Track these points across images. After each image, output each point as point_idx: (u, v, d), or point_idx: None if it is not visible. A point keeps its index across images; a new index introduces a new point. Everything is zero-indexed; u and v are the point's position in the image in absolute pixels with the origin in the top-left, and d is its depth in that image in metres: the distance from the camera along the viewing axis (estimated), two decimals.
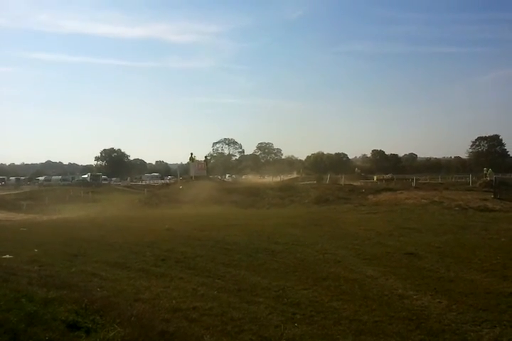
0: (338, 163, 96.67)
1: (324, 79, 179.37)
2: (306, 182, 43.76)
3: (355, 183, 41.64)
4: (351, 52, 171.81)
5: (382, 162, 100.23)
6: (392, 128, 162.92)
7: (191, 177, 42.89)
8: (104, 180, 77.51)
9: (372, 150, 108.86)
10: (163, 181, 78.52)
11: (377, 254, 12.21)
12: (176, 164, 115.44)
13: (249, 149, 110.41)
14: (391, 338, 5.96)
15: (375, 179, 54.27)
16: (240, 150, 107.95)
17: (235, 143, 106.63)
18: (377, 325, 6.54)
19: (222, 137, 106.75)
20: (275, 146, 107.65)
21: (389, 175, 60.18)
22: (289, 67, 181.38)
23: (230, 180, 68.77)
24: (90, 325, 5.12)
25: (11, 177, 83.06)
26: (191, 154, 44.65)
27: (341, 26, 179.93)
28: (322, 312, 7.15)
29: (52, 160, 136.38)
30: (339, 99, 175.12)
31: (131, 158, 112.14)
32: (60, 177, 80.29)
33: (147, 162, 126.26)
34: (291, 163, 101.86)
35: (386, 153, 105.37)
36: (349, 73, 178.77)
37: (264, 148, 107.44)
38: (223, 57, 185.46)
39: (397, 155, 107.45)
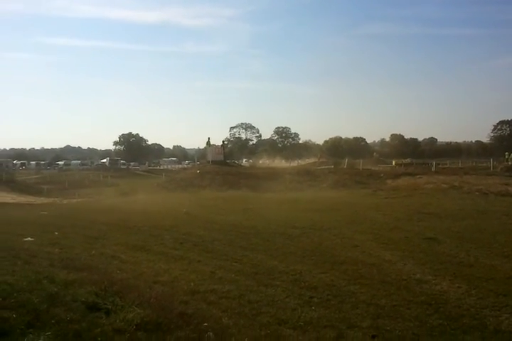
0: (356, 147, 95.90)
1: (341, 63, 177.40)
2: (323, 167, 43.52)
3: (373, 168, 41.33)
4: (369, 35, 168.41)
5: (401, 146, 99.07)
6: (411, 112, 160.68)
7: (208, 162, 42.98)
8: (123, 164, 78.29)
9: (391, 135, 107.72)
10: (180, 166, 78.98)
11: (396, 239, 12.14)
12: (194, 149, 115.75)
13: (267, 134, 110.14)
14: (409, 322, 5.94)
15: (393, 163, 53.65)
16: (257, 134, 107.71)
17: (252, 127, 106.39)
18: (395, 309, 6.52)
19: (240, 122, 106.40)
20: (292, 131, 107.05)
21: (408, 160, 59.51)
22: (306, 51, 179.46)
23: (247, 164, 68.71)
24: (110, 307, 5.19)
25: (31, 162, 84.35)
26: (208, 139, 44.76)
27: (358, 8, 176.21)
28: (339, 296, 7.15)
29: (72, 145, 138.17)
30: (357, 82, 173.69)
31: (149, 142, 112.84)
32: (80, 161, 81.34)
33: (165, 147, 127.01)
34: (309, 148, 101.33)
35: (405, 137, 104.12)
36: (367, 56, 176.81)
37: (282, 132, 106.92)
38: (239, 40, 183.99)
39: (416, 139, 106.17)
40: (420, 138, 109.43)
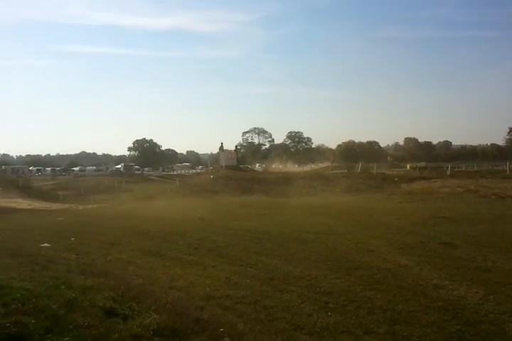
0: (369, 151, 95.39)
1: (355, 66, 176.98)
2: (336, 171, 43.38)
3: (387, 172, 41.06)
4: (384, 38, 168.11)
5: (415, 150, 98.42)
6: (426, 115, 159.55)
7: (222, 167, 43.10)
8: (137, 170, 78.92)
9: (405, 138, 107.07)
10: (194, 171, 79.31)
11: (411, 244, 12.04)
12: (207, 154, 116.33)
13: (279, 138, 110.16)
14: (427, 328, 5.88)
15: (408, 167, 53.33)
16: (270, 139, 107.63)
17: (264, 132, 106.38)
18: (412, 314, 6.46)
19: (252, 126, 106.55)
20: (305, 135, 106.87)
21: (422, 164, 59.12)
22: (320, 55, 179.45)
23: (260, 169, 68.74)
24: (127, 312, 5.23)
25: (46, 168, 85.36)
26: (221, 144, 44.96)
27: (374, 11, 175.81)
28: (355, 301, 7.11)
29: (87, 151, 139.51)
30: (370, 86, 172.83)
31: (163, 148, 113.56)
32: (95, 167, 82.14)
33: (178, 152, 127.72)
34: (322, 152, 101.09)
35: (419, 140, 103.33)
36: (381, 59, 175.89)
37: (294, 137, 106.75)
38: (252, 45, 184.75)
39: (430, 142, 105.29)
40: (435, 142, 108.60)
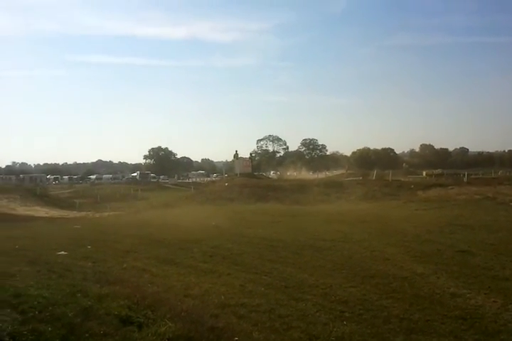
0: (385, 158, 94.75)
1: (369, 74, 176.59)
2: (351, 179, 43.14)
3: (403, 179, 40.69)
4: (396, 46, 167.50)
5: (431, 157, 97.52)
6: (441, 122, 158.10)
7: (236, 175, 43.20)
8: (153, 178, 79.52)
9: (421, 145, 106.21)
10: (209, 179, 79.57)
11: (428, 252, 11.90)
12: (222, 162, 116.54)
13: (294, 146, 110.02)
14: (444, 338, 5.81)
15: (424, 174, 52.80)
16: (285, 146, 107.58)
17: (279, 139, 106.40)
18: (429, 324, 6.39)
19: (267, 134, 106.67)
20: (320, 142, 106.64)
21: (439, 170, 58.46)
22: (334, 62, 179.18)
23: (275, 176, 68.69)
24: (142, 320, 5.25)
25: (64, 176, 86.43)
26: (236, 152, 45.13)
27: (385, 19, 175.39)
28: (371, 310, 7.05)
29: (103, 159, 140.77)
30: (386, 93, 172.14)
31: (178, 156, 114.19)
32: (111, 175, 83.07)
33: (193, 160, 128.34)
34: (336, 159, 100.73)
35: (435, 147, 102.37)
36: (394, 67, 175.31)
37: (309, 144, 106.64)
38: (267, 54, 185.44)
39: (447, 149, 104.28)
40: (451, 149, 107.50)
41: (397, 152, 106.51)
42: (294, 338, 5.64)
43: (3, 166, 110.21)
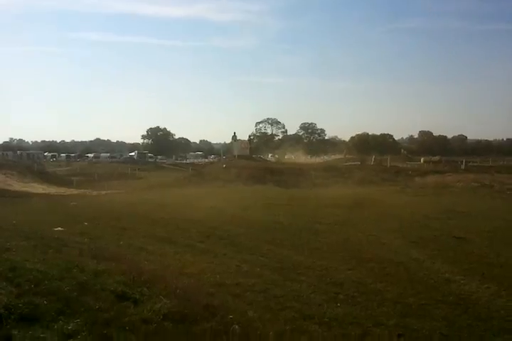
0: (383, 144, 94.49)
1: (370, 58, 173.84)
2: (350, 163, 43.14)
3: (401, 165, 40.72)
4: (399, 30, 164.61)
5: (429, 143, 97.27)
6: (441, 109, 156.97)
7: (234, 157, 43.13)
8: (151, 158, 79.20)
9: (420, 131, 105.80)
10: (206, 160, 79.45)
11: (424, 237, 11.95)
12: (220, 143, 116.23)
13: (293, 129, 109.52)
14: (437, 322, 5.84)
15: (422, 161, 52.75)
16: (283, 130, 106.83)
17: (278, 122, 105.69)
18: (423, 308, 6.42)
19: (266, 117, 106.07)
20: (319, 126, 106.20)
21: (437, 157, 58.32)
22: (335, 46, 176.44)
23: (273, 159, 68.63)
24: (138, 296, 5.26)
25: (61, 154, 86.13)
26: (234, 133, 45.02)
27: (390, 2, 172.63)
28: (365, 293, 7.08)
29: (101, 138, 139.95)
30: (385, 78, 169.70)
31: (176, 136, 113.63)
32: (109, 154, 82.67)
33: (191, 141, 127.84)
34: (335, 144, 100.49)
35: (434, 134, 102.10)
36: (397, 51, 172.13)
37: (308, 128, 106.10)
38: (267, 35, 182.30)
39: (445, 136, 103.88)
40: (449, 136, 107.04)
41: (395, 138, 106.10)
42: (288, 318, 5.66)
43: (0, 142, 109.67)
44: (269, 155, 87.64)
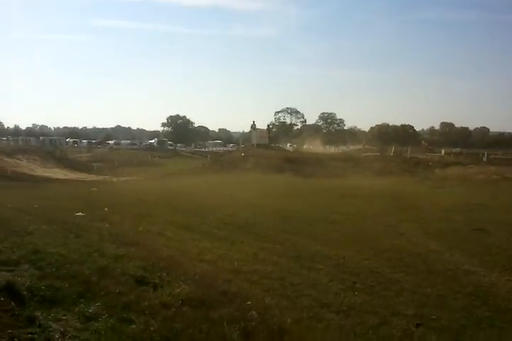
0: (403, 135, 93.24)
1: (391, 48, 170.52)
2: (369, 154, 42.73)
3: (421, 156, 40.15)
4: (420, 20, 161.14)
5: (451, 135, 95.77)
6: (463, 100, 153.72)
7: (253, 145, 43.04)
8: (170, 145, 79.67)
9: (441, 123, 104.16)
10: (225, 148, 79.57)
11: (443, 229, 11.81)
12: (238, 132, 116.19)
13: (312, 119, 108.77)
14: (456, 313, 5.79)
15: (442, 153, 51.98)
16: (302, 119, 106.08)
17: (297, 112, 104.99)
18: (441, 298, 6.37)
19: (285, 106, 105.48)
20: (338, 116, 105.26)
21: (458, 149, 57.46)
22: (355, 35, 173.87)
23: (291, 149, 68.38)
24: (157, 281, 5.34)
25: (83, 140, 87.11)
26: (253, 122, 44.78)
27: None
28: (383, 283, 7.06)
29: (122, 125, 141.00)
30: (406, 68, 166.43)
31: (196, 125, 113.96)
32: (129, 141, 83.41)
33: (210, 129, 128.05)
34: (354, 134, 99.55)
35: (456, 125, 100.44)
36: (418, 42, 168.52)
37: (327, 118, 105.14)
38: (288, 24, 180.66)
39: (467, 128, 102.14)
40: (471, 128, 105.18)
41: (416, 129, 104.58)
42: (305, 305, 5.68)
43: (24, 128, 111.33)
44: (288, 144, 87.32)
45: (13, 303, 3.90)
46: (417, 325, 5.24)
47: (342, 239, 10.46)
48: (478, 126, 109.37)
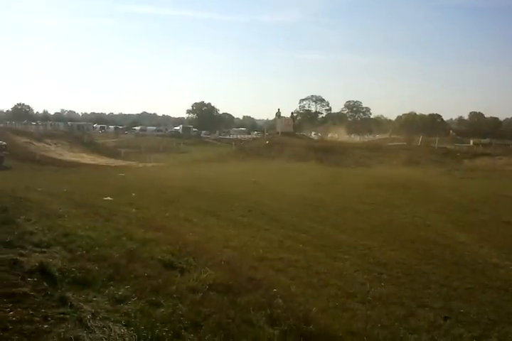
0: (431, 124, 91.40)
1: (420, 34, 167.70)
2: (395, 143, 42.11)
3: (449, 146, 39.40)
4: (451, 6, 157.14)
5: (480, 125, 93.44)
6: (494, 89, 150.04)
7: (278, 133, 42.87)
8: (195, 132, 79.98)
9: (470, 113, 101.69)
10: (249, 136, 79.47)
11: (472, 221, 11.62)
12: (263, 120, 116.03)
13: (337, 107, 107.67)
14: (484, 307, 5.71)
15: (471, 143, 50.89)
16: (327, 107, 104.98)
17: (322, 100, 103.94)
18: (470, 292, 6.29)
19: (310, 94, 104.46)
20: (364, 105, 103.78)
21: (487, 140, 56.09)
22: (383, 21, 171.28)
23: (316, 137, 67.90)
24: (184, 266, 5.40)
25: (110, 126, 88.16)
26: (278, 110, 44.56)
27: None
28: (410, 274, 6.99)
29: (148, 111, 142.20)
30: (436, 55, 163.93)
31: (220, 112, 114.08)
32: (155, 128, 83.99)
33: (235, 116, 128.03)
34: (380, 123, 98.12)
35: (485, 115, 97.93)
36: (448, 28, 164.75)
37: (352, 106, 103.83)
38: (314, 10, 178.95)
39: (497, 118, 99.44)
40: (502, 118, 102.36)
41: (444, 119, 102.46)
42: (330, 294, 5.67)
43: (52, 113, 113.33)
44: (312, 133, 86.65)
45: (45, 284, 3.99)
46: (445, 318, 5.18)
47: (368, 229, 10.39)
48: (509, 117, 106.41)
